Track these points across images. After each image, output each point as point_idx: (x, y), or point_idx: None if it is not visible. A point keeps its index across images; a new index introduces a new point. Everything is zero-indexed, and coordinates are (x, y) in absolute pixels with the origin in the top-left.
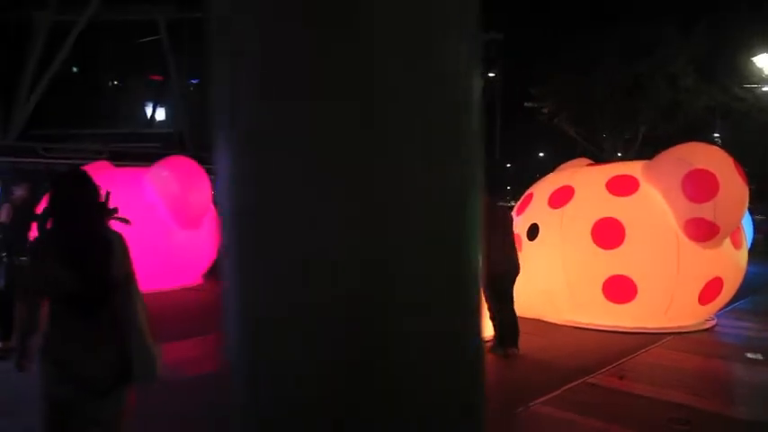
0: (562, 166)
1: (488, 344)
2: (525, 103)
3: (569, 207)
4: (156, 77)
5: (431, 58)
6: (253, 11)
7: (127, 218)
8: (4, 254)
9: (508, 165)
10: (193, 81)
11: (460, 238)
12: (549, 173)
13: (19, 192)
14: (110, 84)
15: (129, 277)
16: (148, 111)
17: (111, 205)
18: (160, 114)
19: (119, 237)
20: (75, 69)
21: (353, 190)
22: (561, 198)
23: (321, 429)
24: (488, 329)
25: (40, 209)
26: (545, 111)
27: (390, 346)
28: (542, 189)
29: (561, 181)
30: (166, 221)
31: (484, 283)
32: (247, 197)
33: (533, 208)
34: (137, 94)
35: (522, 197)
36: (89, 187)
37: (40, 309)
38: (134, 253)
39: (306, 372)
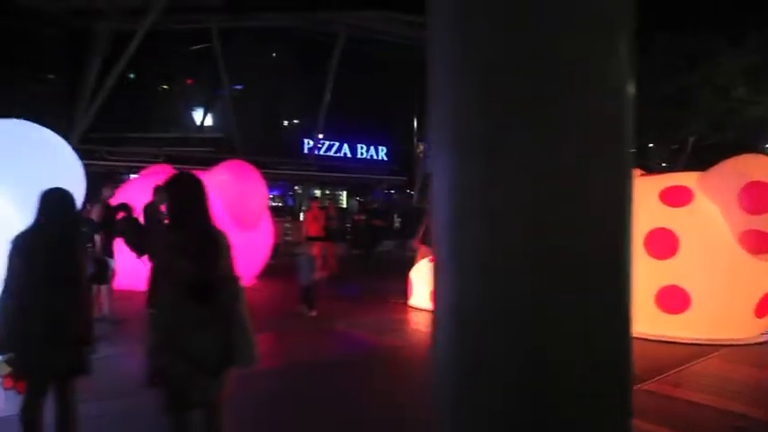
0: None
1: None
2: None
3: None
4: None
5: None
6: (484, 19)
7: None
8: (90, 245)
9: None
10: (237, 87)
11: (622, 246)
12: None
13: (107, 192)
14: (161, 89)
15: (232, 271)
16: (197, 116)
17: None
18: (207, 119)
19: (223, 235)
20: (131, 75)
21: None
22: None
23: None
24: None
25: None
26: None
27: (576, 345)
28: None
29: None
30: (224, 223)
31: None
32: (470, 203)
33: None
34: (187, 99)
35: None
36: (200, 190)
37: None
38: None
39: (508, 369)
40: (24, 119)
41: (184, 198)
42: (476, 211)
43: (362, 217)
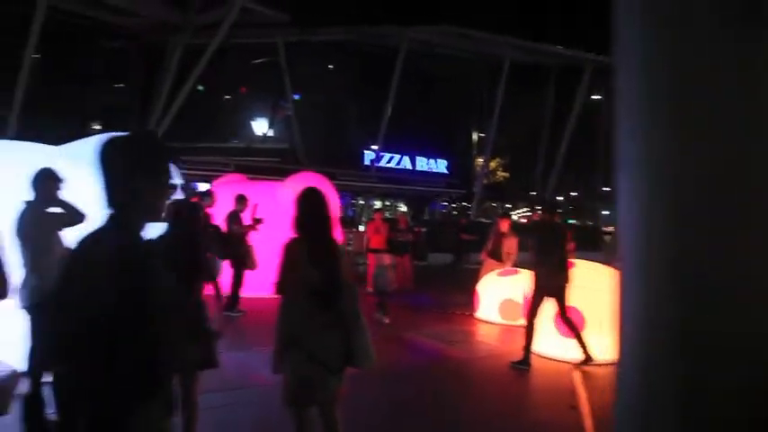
0: None
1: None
2: None
3: None
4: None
5: None
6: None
7: (261, 218)
8: None
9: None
10: (295, 97)
11: None
12: None
13: (206, 202)
14: (228, 101)
15: (349, 278)
16: (260, 127)
17: (257, 215)
18: (272, 130)
19: (340, 245)
20: (200, 88)
21: None
22: None
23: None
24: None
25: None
26: None
27: None
28: None
29: None
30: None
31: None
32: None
33: None
34: (252, 111)
35: None
36: (325, 202)
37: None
38: (269, 261)
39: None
40: (101, 131)
41: (313, 211)
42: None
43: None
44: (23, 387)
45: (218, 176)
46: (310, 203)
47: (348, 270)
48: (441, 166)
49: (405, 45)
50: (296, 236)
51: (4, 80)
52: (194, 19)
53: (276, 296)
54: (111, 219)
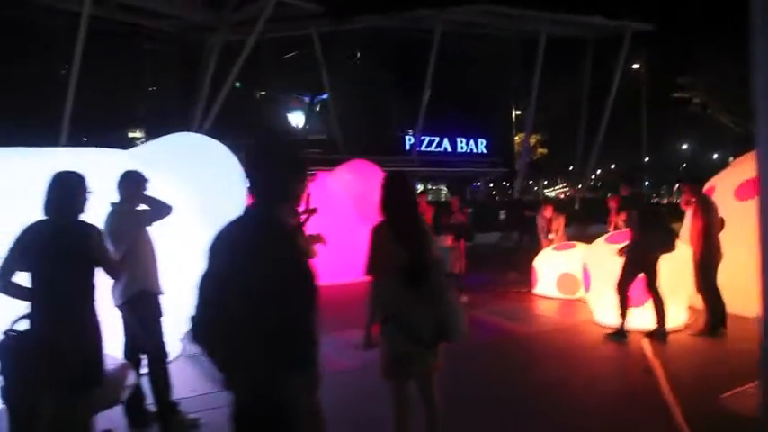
0: (740, 158)
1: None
2: (674, 94)
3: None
4: (295, 87)
5: None
6: None
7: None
8: None
9: (646, 158)
10: (322, 97)
11: None
12: (690, 164)
13: None
14: (264, 95)
15: (437, 259)
16: (297, 119)
17: (311, 206)
18: (311, 122)
19: (428, 228)
20: (237, 84)
21: None
22: (749, 190)
23: None
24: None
25: None
26: (697, 101)
27: None
28: (726, 181)
29: (748, 173)
30: (349, 220)
31: (704, 272)
32: None
33: (717, 201)
34: (289, 103)
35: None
36: (408, 186)
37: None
38: (325, 249)
39: None
40: (146, 130)
41: (398, 194)
42: None
43: None
44: (133, 378)
45: None
46: (395, 187)
47: (434, 249)
48: (481, 146)
49: (440, 27)
50: (383, 218)
51: (53, 90)
52: (229, 17)
53: (355, 278)
54: (261, 206)
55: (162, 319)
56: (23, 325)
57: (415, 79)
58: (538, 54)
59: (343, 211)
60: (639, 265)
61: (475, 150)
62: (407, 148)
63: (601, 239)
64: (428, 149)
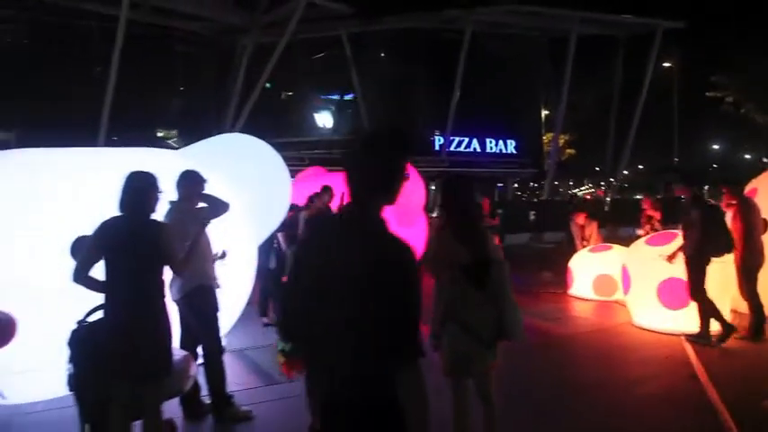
0: None
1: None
2: (706, 93)
3: None
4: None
5: None
6: None
7: None
8: (275, 242)
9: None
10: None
11: None
12: (721, 165)
13: (325, 197)
14: (293, 96)
15: (499, 259)
16: (324, 120)
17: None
18: (328, 122)
19: (485, 226)
20: (267, 85)
21: None
22: None
23: None
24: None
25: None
26: (730, 100)
27: None
28: None
29: None
30: (388, 219)
31: (746, 275)
32: None
33: (761, 203)
34: (318, 104)
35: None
36: (467, 188)
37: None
38: None
39: None
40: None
41: (465, 197)
42: None
43: None
44: (195, 370)
45: (297, 171)
46: (462, 189)
47: (494, 248)
48: (510, 146)
49: (470, 27)
50: (444, 219)
51: (90, 91)
52: (260, 19)
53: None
54: (361, 204)
55: (218, 313)
56: (95, 317)
57: (445, 80)
58: (568, 53)
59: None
60: (703, 266)
61: (504, 151)
62: (437, 148)
63: (641, 241)
64: (457, 150)
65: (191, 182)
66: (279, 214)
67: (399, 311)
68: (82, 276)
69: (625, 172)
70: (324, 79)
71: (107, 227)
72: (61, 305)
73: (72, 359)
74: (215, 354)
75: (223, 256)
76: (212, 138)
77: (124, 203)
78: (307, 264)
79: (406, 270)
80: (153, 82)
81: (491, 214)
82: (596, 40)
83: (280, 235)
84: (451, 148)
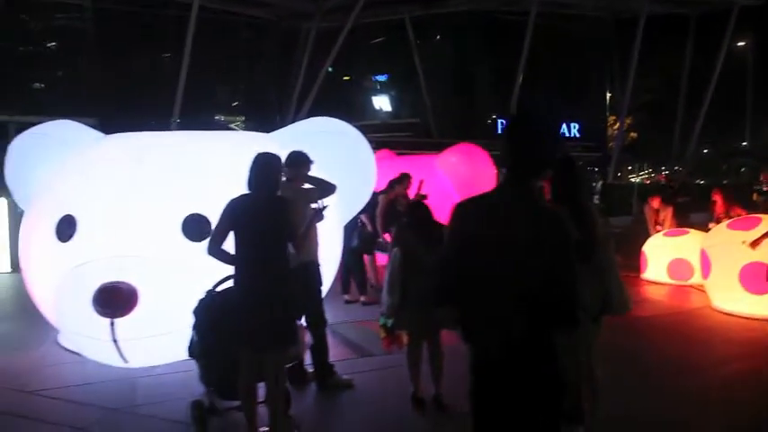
0: None
1: None
2: None
3: None
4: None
5: None
6: None
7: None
8: (359, 222)
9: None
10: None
11: None
12: None
13: (403, 184)
14: (356, 80)
15: (606, 235)
16: (392, 103)
17: (422, 191)
18: (386, 105)
19: (590, 206)
20: (330, 69)
21: None
22: None
23: None
24: None
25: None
26: None
27: None
28: None
29: None
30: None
31: None
32: None
33: None
34: (381, 87)
35: None
36: (576, 171)
37: None
38: None
39: None
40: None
41: (568, 178)
42: None
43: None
44: (309, 340)
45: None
46: (566, 173)
47: (601, 225)
48: (573, 129)
49: (535, 8)
50: (553, 200)
51: (165, 78)
52: (324, 4)
53: None
54: (518, 179)
55: (321, 288)
56: (223, 287)
57: (508, 62)
58: (637, 33)
59: (448, 195)
60: None
61: (567, 134)
62: (499, 131)
63: (722, 226)
64: None
65: (298, 163)
66: (365, 196)
67: (565, 276)
68: (215, 249)
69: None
70: (385, 63)
71: (236, 204)
72: (175, 276)
73: (197, 326)
74: (319, 325)
75: (324, 208)
76: (301, 122)
77: (252, 182)
78: (471, 237)
79: (567, 239)
80: (218, 68)
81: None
82: (666, 19)
83: (363, 216)
84: None
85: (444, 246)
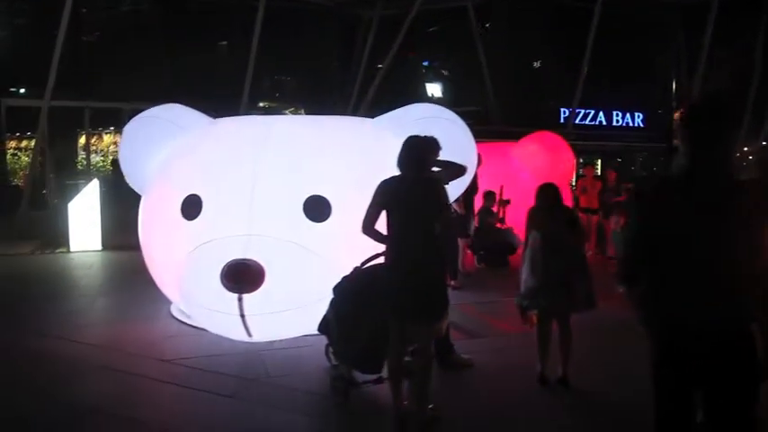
0: None
1: None
2: None
3: None
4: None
5: None
6: None
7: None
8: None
9: None
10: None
11: None
12: None
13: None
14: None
15: None
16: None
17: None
18: (445, 93)
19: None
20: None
21: None
22: None
23: None
24: None
25: None
26: None
27: None
28: None
29: None
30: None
31: None
32: None
33: None
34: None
35: None
36: None
37: None
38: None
39: None
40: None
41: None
42: None
43: None
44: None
45: None
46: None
47: None
48: (637, 119)
49: None
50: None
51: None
52: None
53: None
54: (717, 161)
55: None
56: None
57: (572, 50)
58: (708, 20)
59: (525, 184)
60: None
61: (631, 124)
62: (562, 120)
63: None
64: (582, 123)
65: (428, 148)
66: (467, 180)
67: (756, 248)
68: (368, 228)
69: (744, 148)
70: (445, 51)
71: (388, 184)
72: (298, 255)
73: (337, 303)
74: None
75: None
76: (404, 107)
77: (404, 162)
78: (663, 219)
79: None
80: (281, 54)
81: (616, 191)
82: (736, 4)
83: (455, 202)
84: (576, 121)
85: (631, 232)
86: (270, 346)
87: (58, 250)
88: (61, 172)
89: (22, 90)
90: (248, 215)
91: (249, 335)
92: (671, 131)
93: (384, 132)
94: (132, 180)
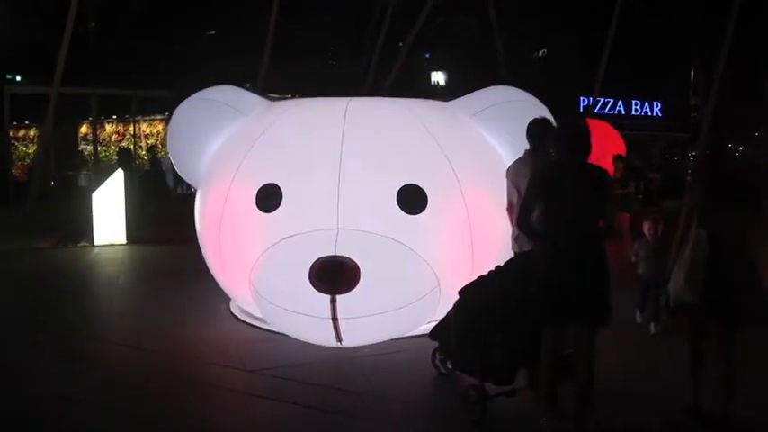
0: None
1: None
2: None
3: None
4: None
5: None
6: None
7: None
8: None
9: None
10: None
11: None
12: None
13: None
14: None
15: None
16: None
17: None
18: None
19: None
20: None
21: None
22: None
23: None
24: None
25: None
26: None
27: None
28: None
29: None
30: None
31: None
32: None
33: None
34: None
35: None
36: None
37: None
38: None
39: None
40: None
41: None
42: None
43: None
44: None
45: None
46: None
47: None
48: (656, 109)
49: None
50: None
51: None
52: None
53: None
54: None
55: None
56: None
57: (591, 38)
58: (733, 8)
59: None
60: None
61: (650, 113)
62: (581, 109)
63: None
64: (601, 111)
65: (543, 132)
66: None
67: None
68: (526, 224)
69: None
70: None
71: (546, 173)
72: (394, 251)
73: (465, 307)
74: None
75: None
76: (483, 90)
77: (572, 147)
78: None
79: None
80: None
81: (622, 182)
82: None
83: None
84: (596, 110)
85: None
86: (357, 351)
87: (80, 244)
88: (63, 162)
89: (18, 78)
90: (335, 207)
91: (339, 340)
92: (690, 121)
93: (463, 117)
94: (185, 171)
